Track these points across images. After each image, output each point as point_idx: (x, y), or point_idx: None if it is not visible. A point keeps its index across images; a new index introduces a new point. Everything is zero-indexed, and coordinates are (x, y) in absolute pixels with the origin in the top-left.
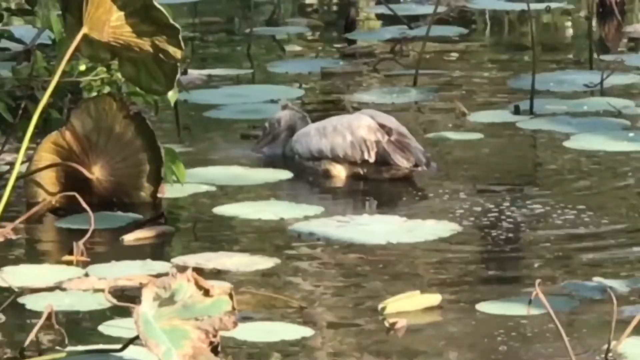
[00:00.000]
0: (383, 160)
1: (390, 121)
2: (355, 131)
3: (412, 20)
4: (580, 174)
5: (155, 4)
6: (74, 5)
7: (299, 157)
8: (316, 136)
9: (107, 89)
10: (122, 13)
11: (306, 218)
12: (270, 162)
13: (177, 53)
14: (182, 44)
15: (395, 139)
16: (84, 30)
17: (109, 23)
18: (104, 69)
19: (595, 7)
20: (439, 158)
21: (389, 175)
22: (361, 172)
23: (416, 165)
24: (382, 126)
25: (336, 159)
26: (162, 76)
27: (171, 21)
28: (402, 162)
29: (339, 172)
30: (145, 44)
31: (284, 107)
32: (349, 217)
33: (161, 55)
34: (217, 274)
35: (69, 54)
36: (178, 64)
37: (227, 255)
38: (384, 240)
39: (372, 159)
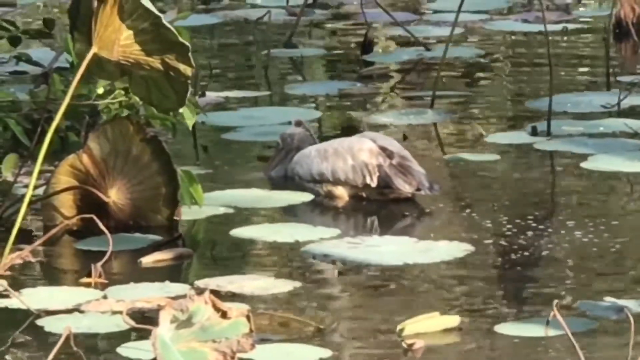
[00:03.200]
0: (385, 184)
1: (392, 144)
2: (357, 155)
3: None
4: (597, 194)
5: (165, 22)
6: (83, 25)
7: (299, 178)
8: (317, 158)
9: (125, 112)
10: (131, 32)
11: (321, 240)
12: (277, 184)
13: (187, 70)
14: (192, 61)
15: (397, 163)
16: (94, 49)
17: (118, 42)
18: (122, 92)
19: (612, 28)
20: (454, 179)
21: (391, 197)
22: (363, 195)
23: (418, 189)
24: (383, 149)
25: (337, 182)
26: (173, 93)
27: (180, 39)
28: (404, 187)
29: (342, 195)
30: (155, 62)
31: (298, 124)
32: (359, 238)
33: (171, 73)
34: (235, 296)
35: (80, 73)
36: (188, 82)
37: (244, 277)
38: (400, 261)
39: (374, 184)
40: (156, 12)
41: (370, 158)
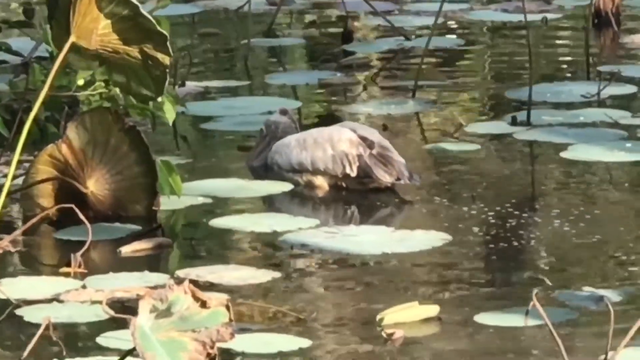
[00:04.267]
0: (365, 174)
1: (372, 134)
2: (336, 145)
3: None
4: (577, 184)
5: (142, 11)
6: (61, 15)
7: (278, 168)
8: (296, 148)
9: (105, 104)
10: (109, 21)
11: (299, 230)
12: (257, 174)
13: (166, 59)
14: (170, 50)
15: (378, 153)
16: (72, 39)
17: (96, 31)
18: (102, 84)
19: (592, 18)
20: (434, 168)
21: (371, 187)
22: (343, 185)
23: (398, 179)
24: (363, 139)
25: (317, 172)
26: (152, 83)
27: (158, 28)
28: (384, 177)
29: (322, 184)
30: (134, 51)
31: (283, 113)
32: (337, 228)
33: (150, 62)
34: (214, 286)
35: (58, 62)
36: (167, 71)
37: (224, 267)
38: (379, 250)
39: (353, 173)
40: (134, 0)
41: (350, 148)
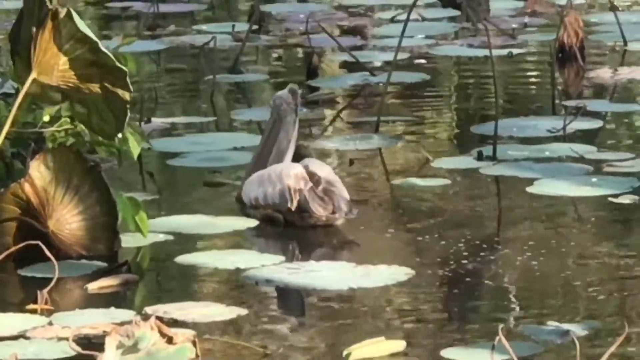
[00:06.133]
0: (303, 208)
1: (323, 170)
2: (284, 180)
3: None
4: (543, 219)
5: (102, 47)
6: (24, 51)
7: (244, 204)
8: (255, 184)
9: (70, 140)
10: (69, 57)
11: (262, 266)
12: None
13: (126, 95)
14: (130, 86)
15: (322, 188)
16: (34, 74)
17: (57, 67)
18: (68, 120)
19: (556, 52)
20: (400, 203)
21: (312, 222)
22: (294, 220)
23: (333, 213)
24: (311, 175)
25: (268, 207)
26: (112, 117)
27: (117, 64)
28: (319, 210)
29: (278, 219)
30: (94, 87)
31: (292, 92)
32: (298, 264)
33: (110, 97)
34: (181, 322)
35: (20, 98)
36: (127, 106)
37: (191, 303)
38: (344, 285)
39: (293, 207)
40: (93, 37)
41: (294, 183)
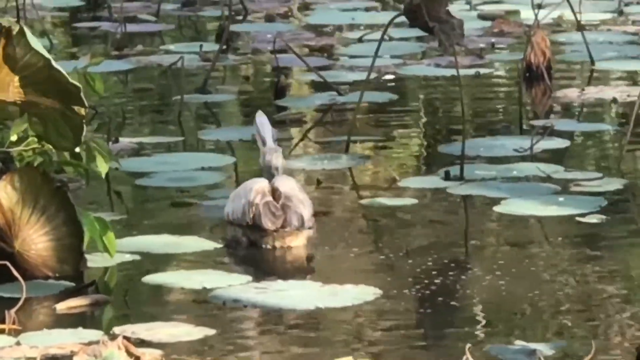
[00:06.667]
0: (255, 222)
1: (285, 185)
2: (248, 194)
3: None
4: (510, 239)
5: (54, 64)
6: None
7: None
8: (230, 199)
9: (38, 159)
10: (24, 74)
11: (229, 286)
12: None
13: (82, 110)
14: (85, 101)
15: (280, 203)
16: None
17: (13, 83)
18: (35, 139)
19: (523, 72)
20: (368, 223)
21: (267, 241)
22: (256, 240)
23: (283, 227)
24: (274, 190)
25: (235, 222)
26: (70, 132)
27: (71, 80)
28: (267, 224)
29: (240, 242)
30: (50, 103)
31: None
32: (265, 283)
33: (67, 112)
34: (149, 343)
35: None
36: (84, 121)
37: (159, 324)
38: (312, 305)
39: (250, 222)
40: (46, 54)
41: (253, 197)
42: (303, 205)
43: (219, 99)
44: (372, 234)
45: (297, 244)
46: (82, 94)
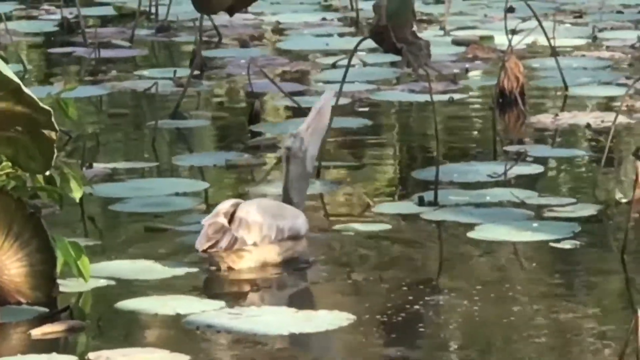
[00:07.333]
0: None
1: (242, 209)
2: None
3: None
4: (483, 264)
5: (23, 88)
6: None
7: None
8: None
9: (12, 184)
10: None
11: (203, 312)
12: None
13: (52, 134)
14: (55, 125)
15: (221, 225)
16: None
17: None
18: (9, 164)
19: (497, 98)
20: (341, 249)
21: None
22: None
23: (212, 248)
24: (232, 213)
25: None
26: (40, 156)
27: (41, 104)
28: (197, 244)
29: (216, 265)
30: (20, 127)
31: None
32: (238, 309)
33: (37, 136)
34: None
35: None
36: (54, 144)
37: (134, 350)
38: (286, 330)
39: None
40: (15, 79)
41: (209, 218)
42: (248, 230)
43: (192, 124)
44: (346, 259)
45: (240, 266)
46: (52, 118)
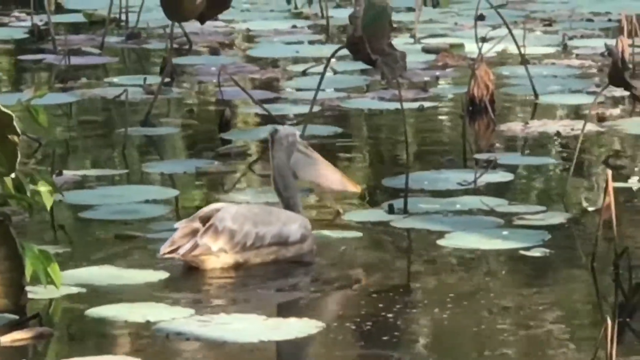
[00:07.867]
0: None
1: (217, 214)
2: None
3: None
4: (453, 272)
5: None
6: None
7: None
8: None
9: None
10: None
11: (173, 319)
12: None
13: (15, 138)
14: (18, 129)
15: (192, 230)
16: None
17: None
18: None
19: (467, 106)
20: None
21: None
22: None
23: (173, 251)
24: (207, 218)
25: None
26: (4, 159)
27: (3, 109)
28: (163, 248)
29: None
30: None
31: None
32: (208, 316)
33: (0, 140)
34: None
35: None
36: (17, 148)
37: (103, 357)
38: (255, 338)
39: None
40: None
41: (182, 222)
42: (215, 237)
43: (163, 131)
44: (316, 267)
45: (211, 266)
46: (14, 122)
